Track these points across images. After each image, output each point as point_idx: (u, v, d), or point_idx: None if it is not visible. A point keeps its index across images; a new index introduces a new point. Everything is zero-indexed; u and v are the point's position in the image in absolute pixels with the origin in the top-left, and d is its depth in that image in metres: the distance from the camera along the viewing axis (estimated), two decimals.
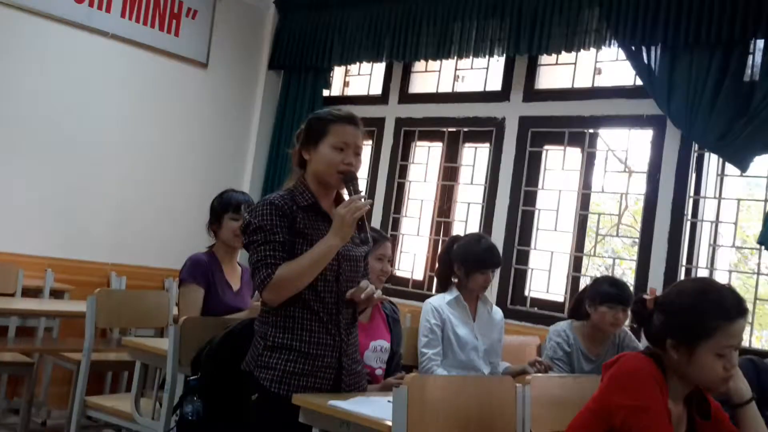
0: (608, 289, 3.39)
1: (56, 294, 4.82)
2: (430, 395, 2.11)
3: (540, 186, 4.90)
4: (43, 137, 5.06)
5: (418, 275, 5.36)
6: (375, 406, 2.20)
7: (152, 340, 3.45)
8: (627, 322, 3.48)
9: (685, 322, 1.93)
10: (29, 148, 5.01)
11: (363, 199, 2.33)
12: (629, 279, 4.40)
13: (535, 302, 4.74)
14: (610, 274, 4.36)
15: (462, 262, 3.34)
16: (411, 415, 2.00)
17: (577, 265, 4.67)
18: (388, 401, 2.21)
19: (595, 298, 3.41)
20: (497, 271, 3.47)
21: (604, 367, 2.06)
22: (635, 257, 4.43)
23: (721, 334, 1.89)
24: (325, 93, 5.99)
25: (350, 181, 2.39)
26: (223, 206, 3.41)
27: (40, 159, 5.06)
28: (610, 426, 1.90)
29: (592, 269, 4.87)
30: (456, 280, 3.40)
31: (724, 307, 1.91)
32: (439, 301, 3.34)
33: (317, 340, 2.34)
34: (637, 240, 4.46)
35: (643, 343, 3.27)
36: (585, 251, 4.69)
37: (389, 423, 2.03)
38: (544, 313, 4.59)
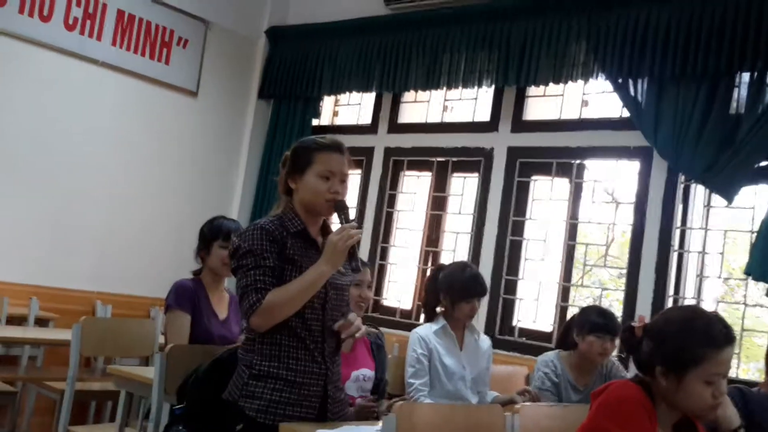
0: (596, 319, 3.38)
1: (41, 322, 4.77)
2: (419, 424, 2.10)
3: (528, 216, 4.92)
4: (29, 163, 5.04)
5: (407, 305, 5.34)
6: None
7: (138, 368, 3.41)
8: (615, 352, 3.48)
9: (673, 349, 1.93)
10: (15, 175, 5.00)
11: (355, 228, 2.33)
12: (617, 310, 4.40)
13: (524, 332, 4.73)
14: (598, 304, 4.36)
15: (447, 291, 3.33)
16: None
17: (565, 295, 4.67)
18: (376, 430, 2.19)
19: (583, 328, 3.39)
20: (484, 300, 3.46)
21: (592, 395, 2.05)
22: (623, 288, 4.44)
23: (708, 362, 1.90)
24: (315, 122, 6.02)
25: (341, 209, 2.39)
26: (213, 233, 3.39)
27: (26, 186, 5.04)
28: None
29: (580, 300, 4.87)
30: (442, 310, 3.39)
31: (712, 335, 1.92)
32: (426, 330, 3.32)
33: (303, 368, 2.32)
34: (624, 271, 4.47)
35: (631, 373, 3.26)
36: (573, 281, 4.70)
37: None
38: (532, 343, 4.58)
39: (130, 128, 5.52)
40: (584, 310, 3.54)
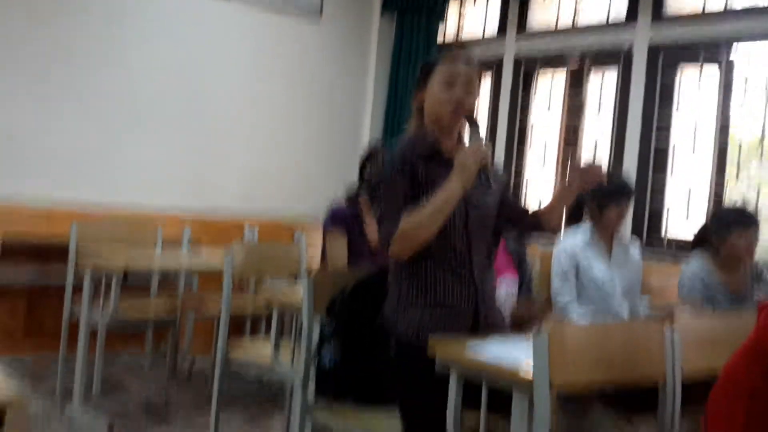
0: (735, 217, 3.25)
1: (194, 247, 5.01)
2: (572, 343, 2.04)
3: (674, 115, 4.63)
4: (173, 99, 5.30)
5: None
6: (512, 350, 2.15)
7: (287, 289, 3.53)
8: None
9: None
10: (161, 111, 5.27)
11: (483, 143, 2.25)
12: None
13: (673, 239, 4.53)
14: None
15: (594, 197, 3.19)
16: (553, 363, 1.94)
17: (717, 197, 4.41)
18: (527, 346, 2.15)
19: (723, 229, 3.24)
20: (629, 210, 3.31)
21: (759, 307, 1.92)
22: None
23: None
24: (440, 35, 5.87)
25: (471, 122, 2.31)
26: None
27: (171, 120, 5.32)
28: None
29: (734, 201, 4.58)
30: (588, 219, 3.27)
31: None
32: (572, 242, 3.22)
33: (452, 291, 2.30)
34: None
35: None
36: (725, 182, 4.42)
37: (529, 370, 1.97)
38: (683, 250, 4.37)
39: (258, 59, 5.66)
40: (718, 212, 3.38)
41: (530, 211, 2.48)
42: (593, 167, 2.33)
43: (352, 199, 3.48)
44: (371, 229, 3.41)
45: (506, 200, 2.47)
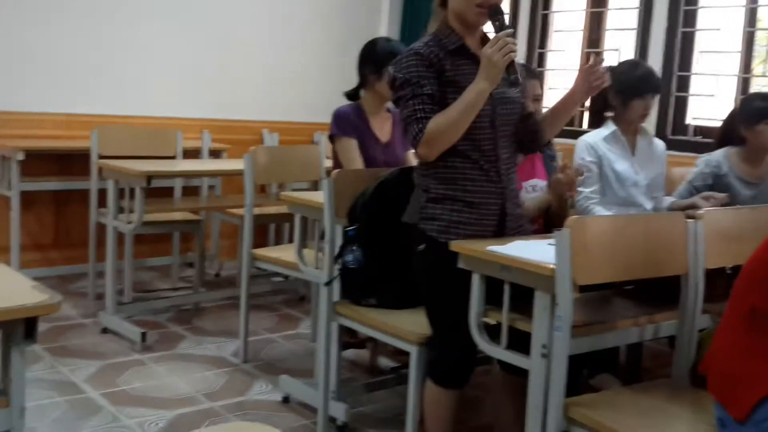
0: (762, 104, 3.15)
1: (214, 154, 5.02)
2: (593, 236, 2.03)
3: (700, 3, 4.46)
4: (189, 5, 5.22)
5: None
6: (535, 249, 2.16)
7: (308, 193, 3.54)
8: None
9: None
10: (180, 19, 5.19)
11: (510, 35, 2.18)
12: None
13: (699, 130, 4.45)
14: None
15: (618, 91, 3.10)
16: (575, 258, 1.94)
17: (744, 87, 4.30)
18: (549, 244, 2.15)
19: (750, 119, 3.17)
20: (654, 101, 3.23)
21: None
22: None
23: None
24: None
25: (495, 15, 2.23)
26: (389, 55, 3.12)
27: (189, 26, 5.23)
28: None
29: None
30: (612, 114, 3.20)
31: None
32: (595, 137, 3.16)
33: (480, 189, 2.28)
34: None
35: None
36: (752, 72, 4.30)
37: (551, 266, 1.98)
38: (709, 141, 4.30)
39: None
40: (744, 101, 3.31)
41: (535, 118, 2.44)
42: (597, 70, 2.29)
43: (353, 96, 3.40)
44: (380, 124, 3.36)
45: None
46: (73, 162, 4.64)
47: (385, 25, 5.98)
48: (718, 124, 4.02)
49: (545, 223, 2.85)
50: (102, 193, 4.17)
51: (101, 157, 4.25)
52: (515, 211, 2.39)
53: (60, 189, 4.72)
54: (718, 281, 2.44)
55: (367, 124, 3.33)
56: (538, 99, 2.89)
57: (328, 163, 3.98)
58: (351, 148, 3.26)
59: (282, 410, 3.13)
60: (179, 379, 3.38)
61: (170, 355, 3.67)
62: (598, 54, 2.22)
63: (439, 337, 2.38)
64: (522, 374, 2.26)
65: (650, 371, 3.49)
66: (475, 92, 2.17)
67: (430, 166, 2.31)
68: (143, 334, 3.71)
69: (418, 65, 2.24)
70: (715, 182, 3.23)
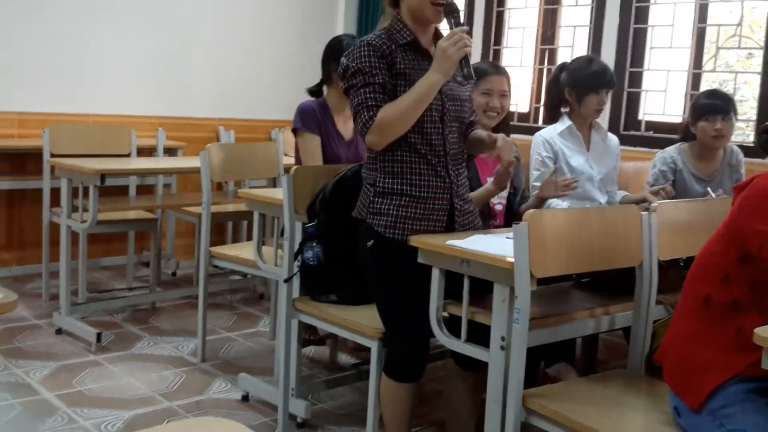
0: (703, 101, 3.26)
1: (170, 152, 4.96)
2: (551, 229, 2.06)
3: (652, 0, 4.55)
4: (143, 2, 5.13)
5: (524, 108, 5.20)
6: (493, 242, 2.18)
7: (266, 190, 3.52)
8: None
9: None
10: (133, 13, 5.10)
11: (466, 32, 2.20)
12: (748, 93, 4.11)
13: (651, 125, 4.53)
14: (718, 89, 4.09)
15: (573, 87, 3.16)
16: (533, 251, 1.96)
17: (695, 82, 4.39)
18: (507, 237, 2.18)
19: (694, 116, 3.28)
20: (610, 95, 3.28)
21: (735, 189, 1.94)
22: (759, 70, 4.11)
23: None
24: None
25: (451, 13, 2.25)
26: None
27: (142, 23, 5.15)
28: (744, 252, 1.81)
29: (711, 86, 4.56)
30: (567, 109, 3.25)
31: None
32: (550, 132, 3.21)
33: (427, 183, 2.30)
34: (752, 52, 4.12)
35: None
36: (704, 67, 4.39)
37: (510, 259, 2.00)
38: (661, 136, 4.39)
39: None
40: (694, 97, 3.40)
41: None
42: (509, 173, 2.51)
43: (316, 92, 3.39)
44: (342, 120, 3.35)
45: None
46: (26, 161, 4.55)
47: (341, 22, 5.96)
48: (670, 119, 4.12)
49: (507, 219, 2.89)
50: (55, 193, 4.10)
51: (54, 155, 4.17)
52: (465, 207, 2.40)
53: (12, 188, 4.63)
54: (672, 272, 2.50)
55: (331, 121, 3.33)
56: (504, 95, 2.91)
57: (287, 160, 3.97)
58: (312, 144, 3.26)
59: (241, 408, 3.11)
60: (136, 379, 3.33)
61: (127, 355, 3.62)
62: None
63: (391, 332, 2.39)
64: (475, 369, 2.29)
65: (605, 363, 3.56)
66: (428, 83, 2.19)
67: (377, 160, 2.32)
68: (99, 335, 3.65)
69: (370, 55, 2.24)
70: (675, 177, 3.30)
